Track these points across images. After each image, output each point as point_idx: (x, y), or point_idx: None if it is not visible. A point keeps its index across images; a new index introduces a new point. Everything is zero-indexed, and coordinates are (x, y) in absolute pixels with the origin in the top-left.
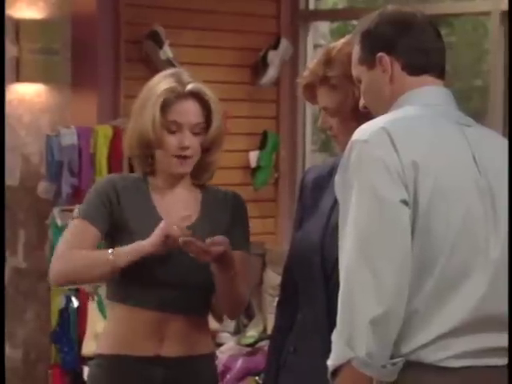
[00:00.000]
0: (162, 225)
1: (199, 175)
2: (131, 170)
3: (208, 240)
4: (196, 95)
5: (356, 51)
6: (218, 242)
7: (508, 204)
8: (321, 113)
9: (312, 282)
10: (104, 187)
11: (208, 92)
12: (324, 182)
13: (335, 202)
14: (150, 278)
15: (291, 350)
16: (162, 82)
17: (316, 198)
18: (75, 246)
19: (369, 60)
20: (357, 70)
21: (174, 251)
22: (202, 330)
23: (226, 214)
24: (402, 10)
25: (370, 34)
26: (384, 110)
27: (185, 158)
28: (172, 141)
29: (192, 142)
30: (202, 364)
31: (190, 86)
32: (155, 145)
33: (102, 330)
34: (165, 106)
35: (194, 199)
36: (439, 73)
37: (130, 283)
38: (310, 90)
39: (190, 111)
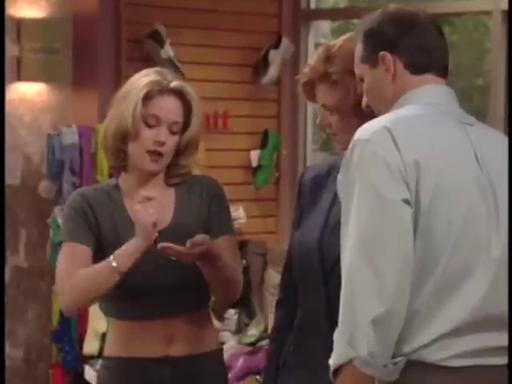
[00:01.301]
0: (140, 221)
1: (171, 178)
2: None
3: (188, 243)
4: (178, 93)
5: (358, 50)
6: (198, 242)
7: (508, 203)
8: (320, 110)
9: (311, 281)
10: (78, 202)
11: (191, 92)
12: (322, 181)
13: (333, 201)
14: (141, 289)
15: (291, 350)
16: (146, 76)
17: (314, 197)
18: (73, 270)
19: (371, 59)
20: (359, 69)
21: (160, 257)
22: (208, 326)
23: (203, 204)
24: (405, 8)
25: (372, 32)
26: (386, 108)
27: (158, 154)
28: (148, 134)
29: (168, 140)
30: (209, 361)
31: (174, 83)
32: (131, 137)
33: (103, 330)
34: (147, 99)
35: (168, 198)
36: (442, 71)
37: (122, 299)
38: (310, 88)
39: (170, 108)
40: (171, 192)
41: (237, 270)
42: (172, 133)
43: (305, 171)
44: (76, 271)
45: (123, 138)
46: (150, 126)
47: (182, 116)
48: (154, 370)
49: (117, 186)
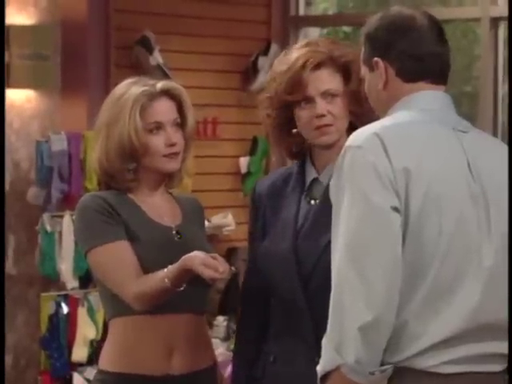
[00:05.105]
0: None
1: (172, 177)
2: None
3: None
4: (167, 92)
5: (362, 52)
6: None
7: (508, 207)
8: (317, 100)
9: (288, 289)
10: (96, 203)
11: (177, 87)
12: (281, 190)
13: (298, 207)
14: None
15: (271, 360)
16: (130, 90)
17: (275, 207)
18: (131, 271)
19: (369, 63)
20: (362, 70)
21: (184, 247)
22: (207, 334)
23: (199, 218)
24: (403, 12)
25: (369, 37)
26: (383, 112)
27: (173, 154)
28: (158, 141)
29: (177, 138)
30: (207, 378)
31: (159, 85)
32: (141, 152)
33: (92, 337)
34: (141, 111)
35: (175, 206)
36: (437, 78)
37: None
38: (300, 78)
39: (167, 108)
40: (174, 202)
41: None
42: (177, 129)
43: (255, 187)
44: (134, 280)
45: (131, 155)
46: (155, 133)
47: (177, 111)
48: None
49: (125, 195)
